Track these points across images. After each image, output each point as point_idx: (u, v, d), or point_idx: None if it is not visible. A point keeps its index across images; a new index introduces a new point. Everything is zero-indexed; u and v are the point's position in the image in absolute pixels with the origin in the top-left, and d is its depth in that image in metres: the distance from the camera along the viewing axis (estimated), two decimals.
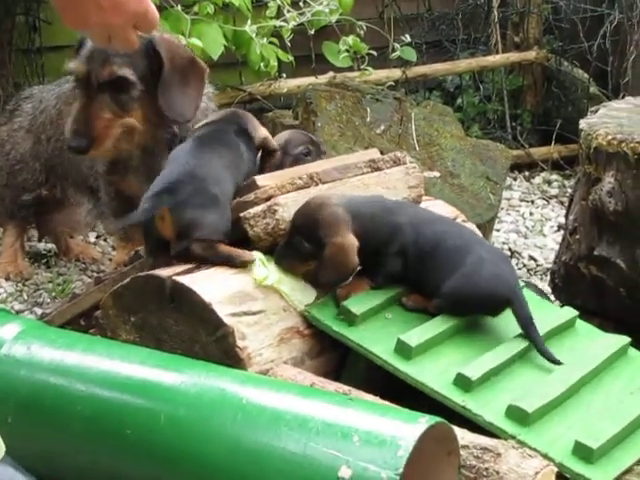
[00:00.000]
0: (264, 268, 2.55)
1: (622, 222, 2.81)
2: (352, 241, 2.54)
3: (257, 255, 2.56)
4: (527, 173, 4.50)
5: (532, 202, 4.23)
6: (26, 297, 3.32)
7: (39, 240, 3.71)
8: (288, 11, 3.71)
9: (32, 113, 3.41)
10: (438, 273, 2.59)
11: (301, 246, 2.56)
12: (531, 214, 4.10)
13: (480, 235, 2.95)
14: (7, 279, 3.41)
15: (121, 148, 2.99)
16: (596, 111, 3.05)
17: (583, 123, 2.93)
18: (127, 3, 2.09)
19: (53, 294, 3.32)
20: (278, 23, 3.71)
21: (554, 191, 4.32)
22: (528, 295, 2.69)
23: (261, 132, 2.91)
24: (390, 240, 2.59)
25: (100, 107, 2.91)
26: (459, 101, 4.61)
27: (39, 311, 3.15)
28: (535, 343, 2.52)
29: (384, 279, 2.62)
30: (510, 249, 3.67)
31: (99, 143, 2.90)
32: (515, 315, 2.54)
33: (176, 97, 2.96)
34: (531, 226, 3.97)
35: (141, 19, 2.13)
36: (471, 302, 2.59)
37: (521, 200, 4.25)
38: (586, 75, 4.47)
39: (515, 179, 4.43)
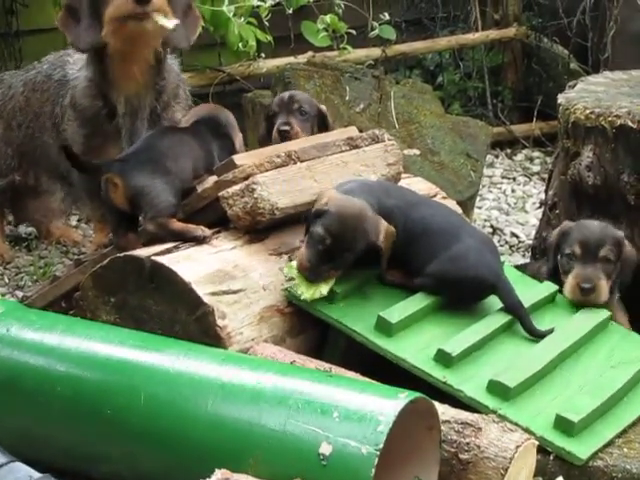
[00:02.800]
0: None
1: (601, 196, 2.83)
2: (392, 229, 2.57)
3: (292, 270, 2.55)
4: (509, 150, 4.50)
5: (514, 179, 4.24)
6: (7, 280, 3.32)
7: (15, 225, 3.70)
8: None
9: (2, 99, 3.40)
10: (424, 254, 2.60)
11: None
12: (513, 191, 4.11)
13: (461, 212, 2.97)
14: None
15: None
16: (574, 86, 3.06)
17: (561, 98, 2.94)
18: None
19: (34, 277, 3.31)
20: (256, 2, 3.70)
21: (536, 168, 4.33)
22: (508, 270, 2.70)
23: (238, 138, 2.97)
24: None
25: None
26: (439, 79, 4.61)
27: (20, 294, 3.15)
28: (529, 331, 2.55)
29: None
30: (492, 226, 3.68)
31: None
32: (503, 302, 2.56)
33: (179, 27, 2.95)
34: (513, 203, 3.98)
35: None
36: (455, 284, 2.59)
37: (503, 177, 4.26)
38: (566, 51, 4.47)
39: (497, 156, 4.43)
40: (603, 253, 2.46)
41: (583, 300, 2.56)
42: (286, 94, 3.03)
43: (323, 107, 3.05)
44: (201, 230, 2.59)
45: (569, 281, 2.59)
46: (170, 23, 2.87)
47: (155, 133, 2.82)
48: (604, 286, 2.50)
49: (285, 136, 2.93)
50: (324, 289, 2.51)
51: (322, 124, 3.03)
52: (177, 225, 2.60)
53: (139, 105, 3.03)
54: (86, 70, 3.05)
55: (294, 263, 2.53)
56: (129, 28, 2.91)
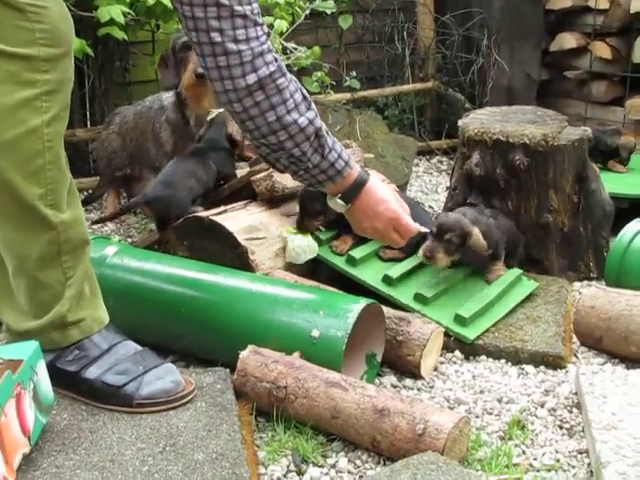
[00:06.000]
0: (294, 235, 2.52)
1: (482, 182, 2.83)
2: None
3: (290, 231, 2.53)
4: (428, 157, 4.48)
5: (431, 174, 4.23)
6: (122, 232, 3.31)
7: (128, 200, 3.69)
8: (280, 56, 3.68)
9: (119, 123, 3.39)
10: None
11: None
12: (430, 181, 4.09)
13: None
14: (110, 221, 3.42)
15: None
16: (467, 115, 3.05)
17: (460, 122, 2.94)
18: (383, 212, 2.01)
19: (139, 230, 3.31)
20: None
21: (444, 167, 4.32)
22: None
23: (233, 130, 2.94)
24: None
25: None
26: (386, 113, 4.59)
27: (129, 240, 3.16)
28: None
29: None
30: (418, 202, 3.67)
31: None
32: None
33: None
34: (430, 188, 3.97)
35: (397, 224, 2.04)
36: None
37: (424, 172, 4.25)
38: (462, 97, 4.46)
39: (421, 160, 4.42)
40: (447, 237, 2.35)
41: (427, 262, 2.44)
42: None
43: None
44: None
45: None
46: None
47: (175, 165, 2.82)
48: (440, 258, 2.39)
49: None
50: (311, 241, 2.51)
51: None
52: None
53: (202, 120, 3.03)
54: (173, 100, 3.04)
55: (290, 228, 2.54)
56: (194, 89, 2.93)
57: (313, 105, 1.88)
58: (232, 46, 1.71)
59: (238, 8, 1.70)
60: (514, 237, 2.72)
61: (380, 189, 2.01)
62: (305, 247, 2.48)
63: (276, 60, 1.79)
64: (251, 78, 1.75)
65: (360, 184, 1.98)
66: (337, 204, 2.02)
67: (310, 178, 1.96)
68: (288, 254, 2.47)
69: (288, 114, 1.81)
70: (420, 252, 2.41)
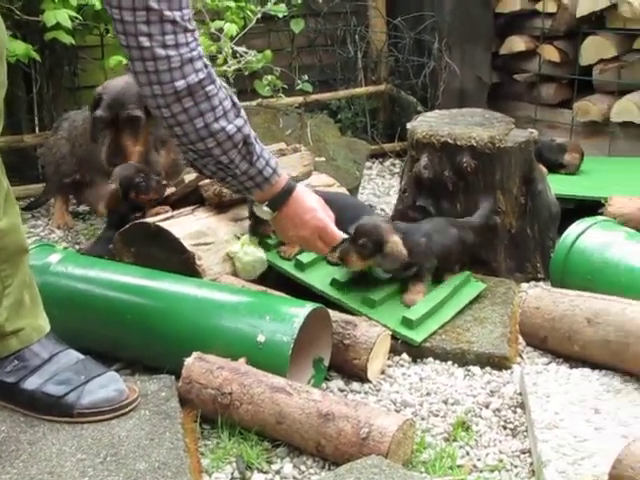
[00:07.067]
0: (238, 246, 2.48)
1: (431, 184, 2.84)
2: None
3: (240, 238, 2.50)
4: (381, 159, 4.49)
5: (383, 176, 4.24)
6: (70, 239, 3.28)
7: (77, 206, 3.66)
8: (231, 59, 3.66)
9: (68, 128, 3.35)
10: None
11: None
12: (382, 183, 4.10)
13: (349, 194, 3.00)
14: (58, 228, 3.37)
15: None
16: (416, 118, 3.06)
17: (409, 125, 2.94)
18: (310, 221, 2.03)
19: (87, 237, 3.28)
20: (225, 68, 3.66)
21: (397, 170, 4.33)
22: None
23: None
24: None
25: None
26: (339, 116, 4.59)
27: (77, 247, 3.12)
28: None
29: None
30: (370, 204, 3.68)
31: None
32: None
33: None
34: (382, 191, 3.98)
35: (323, 232, 2.06)
36: None
37: (377, 175, 4.25)
38: (415, 99, 4.48)
39: (374, 163, 4.43)
40: (361, 242, 2.32)
41: (341, 263, 2.41)
42: None
43: None
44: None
45: None
46: None
47: None
48: (352, 261, 2.34)
49: None
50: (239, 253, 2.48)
51: None
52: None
53: None
54: None
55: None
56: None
57: (243, 112, 1.88)
58: (160, 51, 1.70)
59: (168, 13, 1.69)
60: (458, 248, 2.59)
61: (307, 197, 2.03)
62: (254, 262, 2.47)
63: (206, 67, 1.78)
64: (180, 84, 1.74)
65: (288, 192, 2.00)
66: (263, 211, 2.03)
67: (238, 185, 1.96)
68: (239, 272, 2.46)
69: (216, 121, 1.81)
70: (337, 253, 2.35)
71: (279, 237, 2.10)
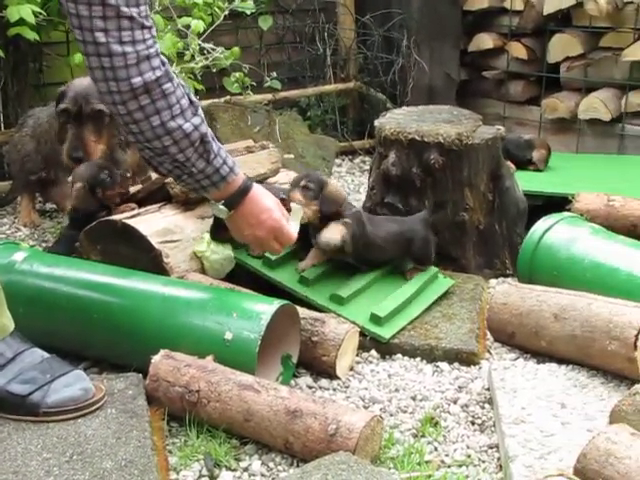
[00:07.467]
0: (205, 245, 2.47)
1: (399, 181, 2.84)
2: None
3: (206, 236, 2.48)
4: (351, 156, 4.48)
5: (353, 174, 4.23)
6: (36, 237, 3.24)
7: (43, 203, 3.62)
8: (199, 56, 3.64)
9: (33, 125, 3.31)
10: None
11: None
12: (352, 181, 4.10)
13: None
14: (25, 226, 3.33)
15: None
16: (384, 115, 3.07)
17: (377, 122, 2.95)
18: (266, 221, 2.02)
19: (54, 235, 3.24)
20: (192, 65, 3.64)
21: (366, 167, 4.31)
22: None
23: None
24: None
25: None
26: (308, 113, 4.58)
27: (44, 245, 3.09)
28: None
29: None
30: None
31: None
32: None
33: None
34: (352, 188, 3.97)
35: (278, 233, 2.06)
36: None
37: (346, 172, 4.25)
38: (384, 97, 4.48)
39: (344, 160, 4.42)
40: (303, 183, 2.37)
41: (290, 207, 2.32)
42: None
43: None
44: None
45: None
46: None
47: None
48: (297, 198, 2.35)
49: None
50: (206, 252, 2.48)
51: None
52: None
53: None
54: None
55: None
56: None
57: (200, 111, 1.87)
58: (117, 47, 1.69)
59: (125, 9, 1.67)
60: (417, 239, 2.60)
61: (263, 197, 2.03)
62: (221, 261, 2.47)
63: (164, 65, 1.77)
64: (136, 82, 1.72)
65: (244, 191, 1.99)
66: (219, 210, 2.01)
67: (194, 183, 1.95)
68: (208, 271, 2.45)
69: (173, 119, 1.80)
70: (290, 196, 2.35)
71: (235, 237, 2.09)
